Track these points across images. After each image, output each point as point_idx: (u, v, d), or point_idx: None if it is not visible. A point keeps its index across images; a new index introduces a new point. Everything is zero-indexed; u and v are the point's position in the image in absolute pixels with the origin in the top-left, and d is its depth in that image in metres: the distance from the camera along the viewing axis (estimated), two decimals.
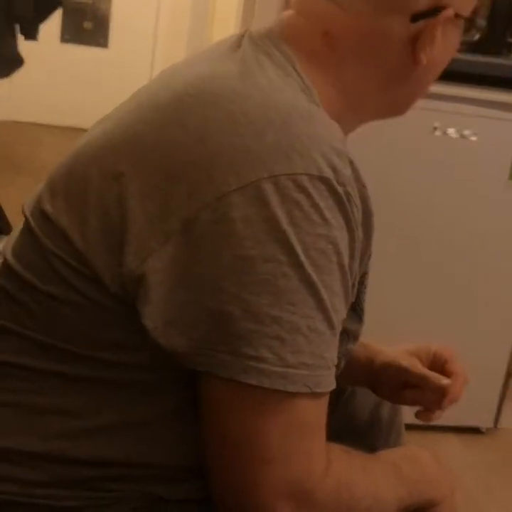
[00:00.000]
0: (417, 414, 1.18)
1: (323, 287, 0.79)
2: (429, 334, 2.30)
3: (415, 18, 0.91)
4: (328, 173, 0.80)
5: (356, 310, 0.95)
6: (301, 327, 0.79)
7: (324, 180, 0.79)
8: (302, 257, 0.78)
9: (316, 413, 0.83)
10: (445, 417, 1.19)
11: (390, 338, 1.27)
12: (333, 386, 0.84)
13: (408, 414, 1.27)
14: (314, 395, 0.81)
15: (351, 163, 0.83)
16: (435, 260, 2.34)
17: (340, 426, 1.24)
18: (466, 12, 0.95)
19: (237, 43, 0.93)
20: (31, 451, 0.89)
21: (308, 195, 0.78)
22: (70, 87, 5.70)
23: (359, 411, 1.30)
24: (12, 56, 3.81)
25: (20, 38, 3.83)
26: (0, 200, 2.85)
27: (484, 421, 2.55)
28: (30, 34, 3.82)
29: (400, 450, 1.04)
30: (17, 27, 3.77)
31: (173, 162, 0.81)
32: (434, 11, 0.90)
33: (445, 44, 0.94)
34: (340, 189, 0.80)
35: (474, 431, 2.56)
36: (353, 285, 0.86)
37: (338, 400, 1.28)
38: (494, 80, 2.20)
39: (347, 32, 0.92)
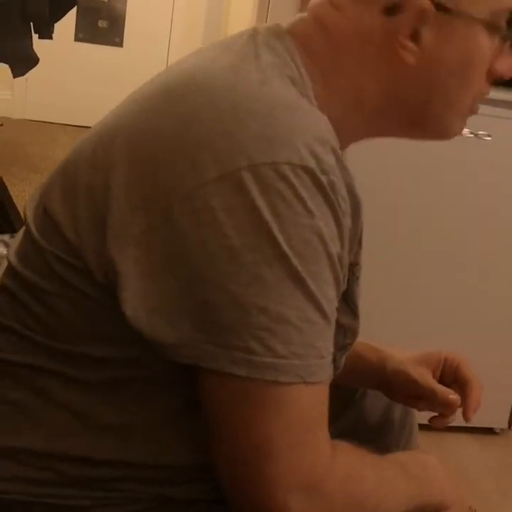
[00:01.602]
0: (431, 420, 1.18)
1: (311, 278, 0.79)
2: (442, 335, 2.30)
3: (389, 11, 0.88)
4: (310, 162, 0.79)
5: (347, 303, 0.94)
6: (290, 317, 0.78)
7: (307, 170, 0.78)
8: (286, 248, 0.77)
9: (314, 404, 0.83)
10: (459, 418, 1.19)
11: (395, 338, 1.27)
12: (328, 376, 0.83)
13: (422, 415, 1.27)
14: (310, 385, 0.80)
15: (335, 152, 0.82)
16: (447, 259, 2.34)
17: (352, 427, 1.24)
18: (464, 5, 0.89)
19: (239, 35, 0.93)
20: (38, 450, 0.89)
21: (291, 185, 0.78)
22: (85, 86, 5.71)
23: (371, 412, 1.29)
24: (27, 55, 3.82)
25: (35, 37, 3.83)
26: (14, 199, 2.85)
27: (498, 422, 2.55)
28: (45, 33, 3.82)
29: (408, 453, 1.03)
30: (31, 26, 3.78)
31: (160, 150, 0.81)
32: (405, 2, 0.87)
33: (452, 44, 0.90)
34: (323, 178, 0.79)
35: (488, 431, 2.55)
36: (345, 274, 0.85)
37: (349, 401, 1.28)
38: (509, 80, 2.18)
39: (339, 30, 0.91)
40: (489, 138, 2.21)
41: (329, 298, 0.81)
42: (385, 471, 0.92)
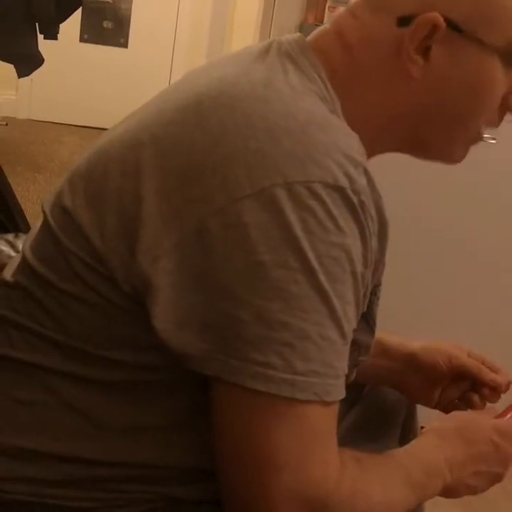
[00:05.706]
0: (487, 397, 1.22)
1: (335, 296, 0.79)
2: (444, 338, 2.30)
3: (401, 22, 0.87)
4: (343, 181, 0.79)
5: (368, 321, 0.95)
6: (311, 334, 0.78)
7: (339, 189, 0.79)
8: (315, 264, 0.78)
9: (326, 421, 0.83)
10: None
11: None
12: (342, 395, 0.83)
13: (422, 416, 1.27)
14: (324, 404, 0.81)
15: (366, 173, 0.83)
16: (451, 262, 2.34)
17: (360, 422, 1.24)
18: (478, 30, 0.88)
19: (266, 48, 0.92)
20: (45, 450, 0.89)
21: (323, 203, 0.78)
22: (90, 87, 5.72)
23: (378, 408, 1.30)
24: (32, 55, 3.83)
25: (40, 37, 3.84)
26: (19, 199, 2.86)
27: None
28: (50, 33, 3.83)
29: (412, 452, 1.00)
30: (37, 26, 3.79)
31: (190, 164, 0.81)
32: (417, 15, 0.86)
33: (461, 67, 0.89)
34: (354, 198, 0.80)
35: None
36: (365, 295, 0.86)
37: (357, 398, 1.28)
38: None
39: (356, 42, 0.91)
40: (494, 141, 2.21)
41: (349, 318, 0.82)
42: (389, 480, 0.91)
